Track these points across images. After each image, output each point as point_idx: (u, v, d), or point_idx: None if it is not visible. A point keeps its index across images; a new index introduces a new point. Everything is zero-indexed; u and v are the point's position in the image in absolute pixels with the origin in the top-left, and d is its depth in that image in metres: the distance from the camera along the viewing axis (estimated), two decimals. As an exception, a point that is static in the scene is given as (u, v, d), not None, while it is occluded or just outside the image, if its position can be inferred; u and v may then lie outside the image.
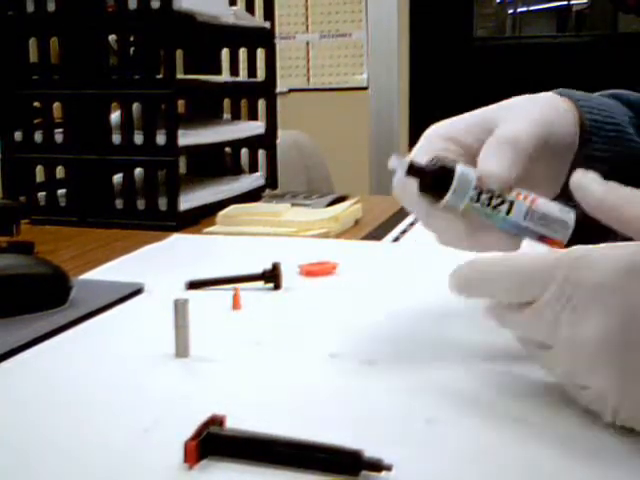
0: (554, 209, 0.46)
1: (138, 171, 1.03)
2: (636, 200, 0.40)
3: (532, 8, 3.20)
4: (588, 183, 0.41)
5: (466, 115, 0.51)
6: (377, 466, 0.34)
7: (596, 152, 0.52)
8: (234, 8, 1.26)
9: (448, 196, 0.46)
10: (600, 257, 0.37)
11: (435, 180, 0.46)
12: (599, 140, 0.53)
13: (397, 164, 0.46)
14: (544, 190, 0.48)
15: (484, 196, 0.45)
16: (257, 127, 1.31)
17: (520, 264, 0.40)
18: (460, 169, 0.46)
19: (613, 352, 0.36)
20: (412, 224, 0.96)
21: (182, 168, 1.23)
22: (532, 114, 0.49)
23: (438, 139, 0.50)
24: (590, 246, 0.38)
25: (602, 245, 0.38)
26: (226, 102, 1.36)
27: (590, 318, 0.36)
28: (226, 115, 1.36)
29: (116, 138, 1.03)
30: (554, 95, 0.54)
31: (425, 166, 0.46)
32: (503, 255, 0.42)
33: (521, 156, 0.47)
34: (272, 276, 0.67)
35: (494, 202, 0.45)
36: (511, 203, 0.45)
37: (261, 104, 1.33)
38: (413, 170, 0.46)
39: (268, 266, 0.67)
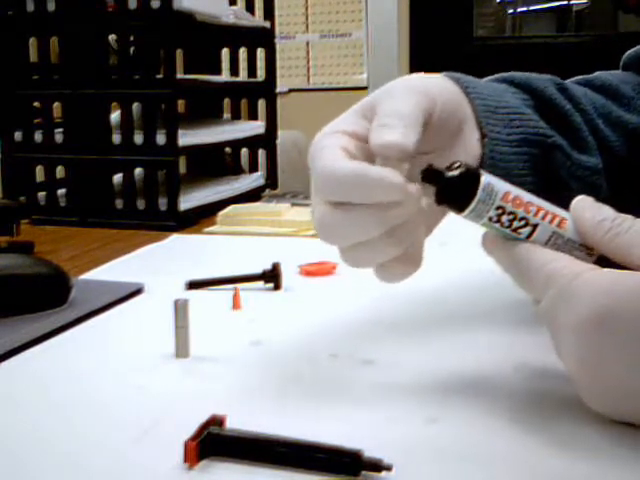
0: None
1: (138, 171, 1.03)
2: (620, 232, 0.40)
3: (532, 8, 3.19)
4: (582, 210, 0.41)
5: (349, 110, 0.48)
6: (377, 466, 0.34)
7: (500, 134, 0.51)
8: (234, 8, 1.26)
9: (470, 208, 0.41)
10: (573, 299, 0.38)
11: (458, 188, 0.41)
12: (498, 123, 0.51)
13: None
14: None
15: (505, 217, 0.41)
16: (257, 127, 1.31)
17: (530, 263, 0.40)
18: (486, 178, 0.41)
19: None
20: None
21: (182, 168, 1.23)
22: (410, 88, 0.46)
23: (330, 136, 0.45)
24: (578, 273, 0.38)
25: (585, 277, 0.38)
26: (226, 102, 1.36)
27: (562, 347, 0.39)
28: (226, 115, 1.36)
29: (116, 138, 1.03)
30: (441, 76, 0.51)
31: (446, 171, 0.41)
32: (524, 247, 0.41)
33: (413, 125, 0.43)
34: (272, 276, 0.67)
35: (515, 224, 0.41)
36: (534, 226, 0.41)
37: (261, 104, 1.33)
38: (430, 175, 0.41)
39: (268, 266, 0.67)
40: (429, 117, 0.45)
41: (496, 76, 0.58)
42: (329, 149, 0.44)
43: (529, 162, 0.53)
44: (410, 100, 0.44)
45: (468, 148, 0.50)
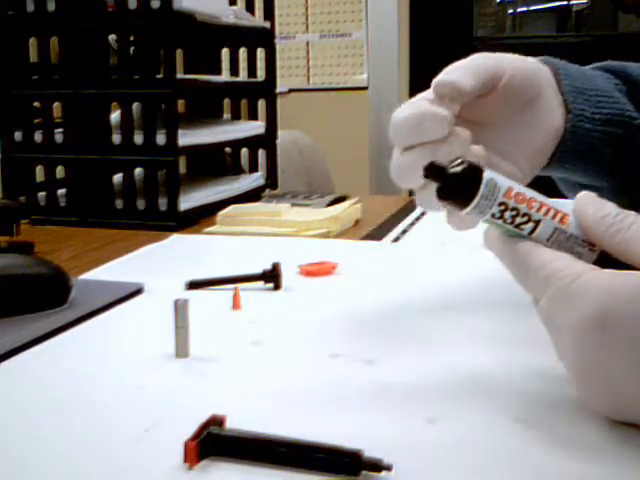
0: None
1: (138, 171, 1.03)
2: (622, 228, 0.40)
3: (532, 8, 3.20)
4: (584, 205, 0.41)
5: None
6: (377, 466, 0.34)
7: (585, 112, 0.52)
8: (234, 8, 1.26)
9: (473, 204, 0.40)
10: (573, 300, 0.38)
11: (461, 183, 0.41)
12: (584, 102, 0.53)
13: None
14: (511, 149, 0.49)
15: (508, 214, 0.41)
16: (257, 127, 1.31)
17: (530, 262, 0.40)
18: (489, 174, 0.41)
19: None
20: (412, 224, 0.96)
21: (182, 168, 1.23)
22: (476, 56, 0.51)
23: (409, 102, 0.49)
24: (578, 273, 0.38)
25: (585, 278, 0.38)
26: (226, 102, 1.36)
27: (561, 346, 0.40)
28: (226, 115, 1.36)
29: (116, 138, 1.03)
30: (533, 59, 0.54)
31: (448, 167, 0.41)
32: (525, 245, 0.41)
33: (471, 73, 0.48)
34: (272, 276, 0.67)
35: (518, 220, 0.41)
36: (537, 222, 0.41)
37: (261, 104, 1.33)
38: (433, 171, 0.41)
39: (268, 266, 0.67)
40: (494, 79, 0.49)
41: (594, 65, 0.60)
42: (402, 107, 0.48)
43: (612, 141, 0.53)
44: (472, 60, 0.49)
45: (548, 122, 0.52)
